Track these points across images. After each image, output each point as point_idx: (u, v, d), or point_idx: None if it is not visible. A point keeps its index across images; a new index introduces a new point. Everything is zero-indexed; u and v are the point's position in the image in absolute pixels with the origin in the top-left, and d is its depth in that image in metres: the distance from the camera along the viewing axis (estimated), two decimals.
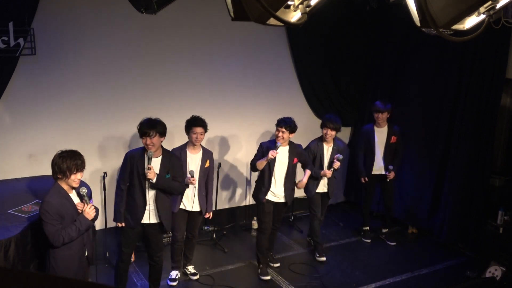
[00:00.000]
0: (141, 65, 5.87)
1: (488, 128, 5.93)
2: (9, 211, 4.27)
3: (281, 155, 5.26)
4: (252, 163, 5.36)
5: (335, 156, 5.69)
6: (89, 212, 3.66)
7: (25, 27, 4.88)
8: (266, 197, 5.35)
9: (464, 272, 5.73)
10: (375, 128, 6.30)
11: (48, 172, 5.39)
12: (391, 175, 6.25)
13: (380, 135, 6.28)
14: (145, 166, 4.35)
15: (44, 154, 5.53)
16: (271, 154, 5.10)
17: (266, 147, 5.28)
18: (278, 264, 5.75)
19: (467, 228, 6.20)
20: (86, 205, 3.69)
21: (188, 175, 4.94)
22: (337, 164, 5.70)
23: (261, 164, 5.23)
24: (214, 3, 5.66)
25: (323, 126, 5.76)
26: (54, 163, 3.62)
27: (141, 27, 5.64)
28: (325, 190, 5.94)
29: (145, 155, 4.39)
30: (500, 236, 5.44)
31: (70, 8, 5.31)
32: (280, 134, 5.17)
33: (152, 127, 4.37)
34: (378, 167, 6.32)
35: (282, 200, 5.41)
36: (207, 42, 6.19)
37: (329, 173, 5.74)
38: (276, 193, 5.36)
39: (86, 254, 3.85)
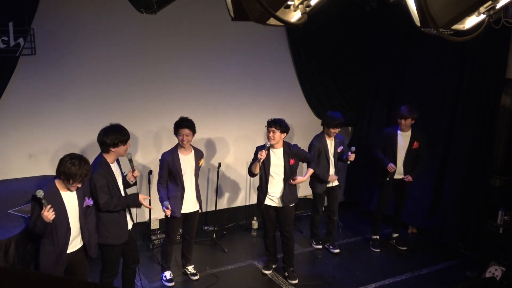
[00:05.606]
0: (141, 65, 5.87)
1: (488, 128, 5.93)
2: (9, 211, 4.27)
3: (275, 158, 5.15)
4: (248, 169, 5.29)
5: (351, 149, 5.75)
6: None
7: (25, 27, 4.89)
8: (265, 203, 5.25)
9: (464, 272, 5.73)
10: (399, 132, 6.07)
11: (48, 172, 5.43)
12: (408, 178, 6.02)
13: (403, 139, 6.06)
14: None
15: (44, 154, 5.54)
16: (259, 154, 5.00)
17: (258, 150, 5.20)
18: (296, 281, 5.38)
19: (467, 228, 6.20)
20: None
21: (163, 208, 4.77)
22: (352, 157, 5.76)
23: (255, 167, 5.13)
24: (214, 3, 5.66)
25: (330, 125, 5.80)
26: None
27: (141, 27, 5.64)
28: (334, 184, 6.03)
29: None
30: (500, 236, 5.43)
31: (70, 8, 5.32)
32: (271, 134, 5.04)
33: None
34: (397, 172, 6.05)
35: (281, 204, 5.23)
36: (207, 43, 6.19)
37: (335, 178, 5.93)
38: (276, 197, 5.23)
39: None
